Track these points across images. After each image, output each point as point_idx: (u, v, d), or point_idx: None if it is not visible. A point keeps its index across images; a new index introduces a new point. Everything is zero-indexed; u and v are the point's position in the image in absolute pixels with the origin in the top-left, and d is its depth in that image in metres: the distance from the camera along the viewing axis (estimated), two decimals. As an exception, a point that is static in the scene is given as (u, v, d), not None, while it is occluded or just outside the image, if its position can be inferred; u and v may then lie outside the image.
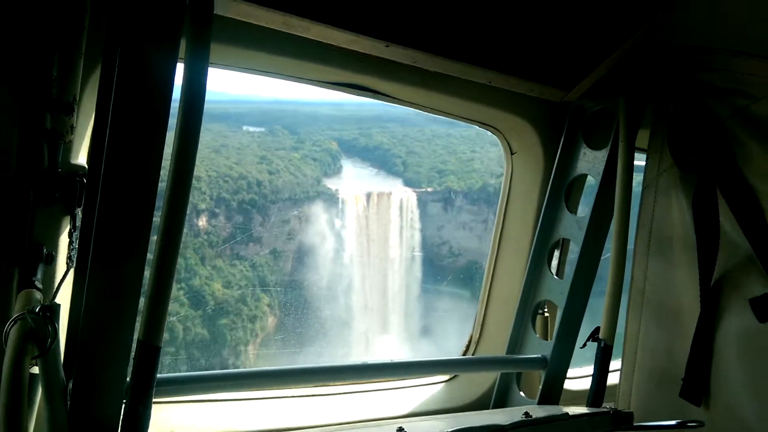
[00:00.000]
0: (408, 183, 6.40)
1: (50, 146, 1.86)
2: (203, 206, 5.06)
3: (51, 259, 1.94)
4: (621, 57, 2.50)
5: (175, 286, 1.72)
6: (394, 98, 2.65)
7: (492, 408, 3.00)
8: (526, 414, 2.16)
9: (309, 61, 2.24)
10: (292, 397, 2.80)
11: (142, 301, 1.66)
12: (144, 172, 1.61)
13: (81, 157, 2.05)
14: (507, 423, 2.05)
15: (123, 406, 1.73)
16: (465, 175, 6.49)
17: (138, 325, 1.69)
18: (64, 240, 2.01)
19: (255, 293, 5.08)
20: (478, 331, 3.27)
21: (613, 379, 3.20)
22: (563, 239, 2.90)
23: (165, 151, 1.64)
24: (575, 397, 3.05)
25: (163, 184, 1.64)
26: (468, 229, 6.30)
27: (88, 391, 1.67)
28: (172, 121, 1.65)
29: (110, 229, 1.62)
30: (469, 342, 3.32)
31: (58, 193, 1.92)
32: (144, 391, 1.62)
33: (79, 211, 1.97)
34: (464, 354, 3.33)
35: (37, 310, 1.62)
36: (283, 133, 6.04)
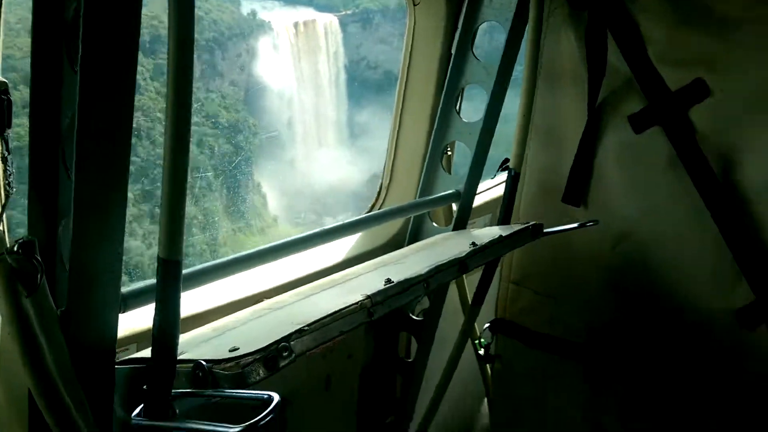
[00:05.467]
0: (323, 9, 7.04)
1: None
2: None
3: None
4: None
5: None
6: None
7: (408, 241, 3.34)
8: (473, 243, 2.49)
9: None
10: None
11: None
12: (123, 69, 1.42)
13: None
14: (464, 254, 2.36)
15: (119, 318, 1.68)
16: (377, -6, 7.19)
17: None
18: None
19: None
20: (388, 177, 3.49)
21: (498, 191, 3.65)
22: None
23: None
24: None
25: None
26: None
27: (84, 312, 1.57)
28: None
29: (92, 142, 1.44)
30: (380, 189, 3.54)
31: None
32: (173, 304, 1.58)
33: (9, 133, 1.69)
34: (377, 199, 3.56)
35: (16, 248, 1.45)
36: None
